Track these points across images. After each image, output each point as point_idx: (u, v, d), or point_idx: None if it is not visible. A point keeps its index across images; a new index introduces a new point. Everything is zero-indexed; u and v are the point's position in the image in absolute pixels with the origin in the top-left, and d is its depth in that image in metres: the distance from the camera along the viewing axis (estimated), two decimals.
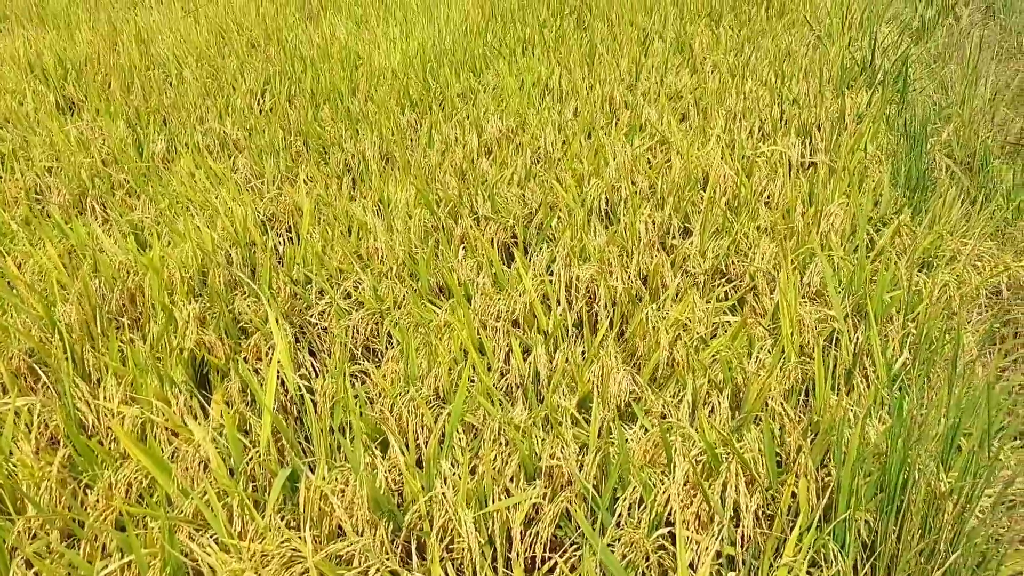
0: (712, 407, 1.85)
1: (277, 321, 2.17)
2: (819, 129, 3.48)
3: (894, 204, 2.71)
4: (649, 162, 3.39)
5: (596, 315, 2.46)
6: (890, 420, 1.59)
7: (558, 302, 2.37)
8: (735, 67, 4.54)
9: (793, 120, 3.60)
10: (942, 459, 1.46)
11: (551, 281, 2.45)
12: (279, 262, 2.66)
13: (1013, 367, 2.07)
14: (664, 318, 2.21)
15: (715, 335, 2.25)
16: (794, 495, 1.59)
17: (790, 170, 3.19)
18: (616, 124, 3.76)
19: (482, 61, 4.79)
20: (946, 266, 2.26)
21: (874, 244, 2.49)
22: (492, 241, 2.86)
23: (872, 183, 2.89)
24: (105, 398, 2.02)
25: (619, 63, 4.64)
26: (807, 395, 1.95)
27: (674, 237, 2.85)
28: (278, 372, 2.02)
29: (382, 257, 2.62)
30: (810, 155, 3.24)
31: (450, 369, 2.02)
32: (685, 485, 1.57)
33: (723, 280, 2.58)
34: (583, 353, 2.13)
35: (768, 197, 3.04)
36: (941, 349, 1.83)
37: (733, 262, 2.59)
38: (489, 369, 2.14)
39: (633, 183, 3.20)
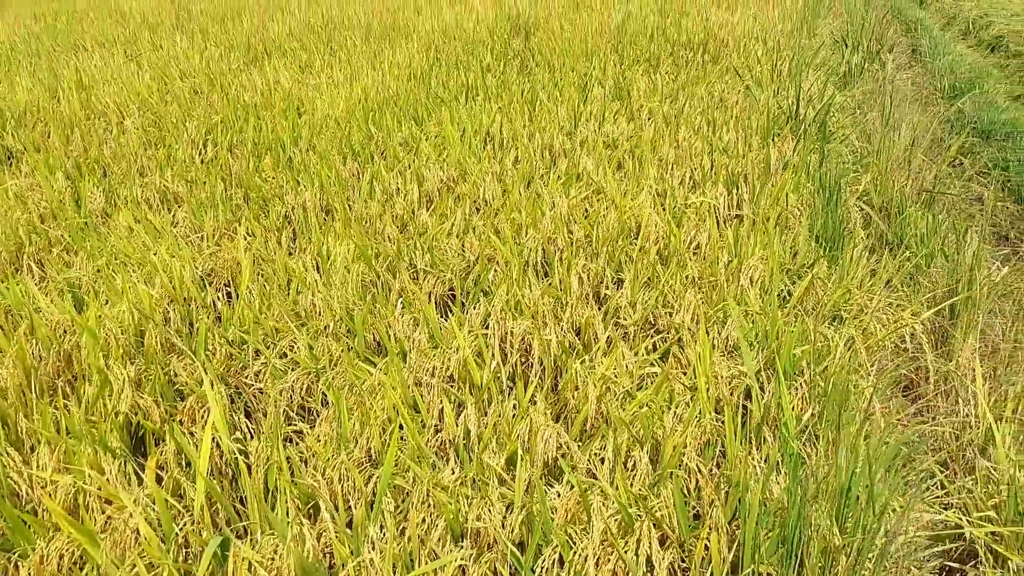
0: (634, 462, 1.94)
1: (212, 384, 2.21)
2: (745, 180, 3.65)
3: (811, 255, 2.87)
4: (586, 212, 3.51)
5: (532, 367, 2.55)
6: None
7: (494, 356, 2.45)
8: (670, 115, 4.73)
9: (722, 170, 3.77)
10: (837, 514, 1.57)
11: (486, 336, 2.54)
12: (217, 320, 2.70)
13: (913, 416, 2.21)
14: (593, 372, 2.31)
15: (642, 386, 2.35)
16: (708, 548, 1.69)
17: (718, 221, 3.34)
18: (555, 173, 3.89)
19: (425, 108, 4.90)
20: (854, 319, 2.41)
21: (791, 295, 2.63)
22: (430, 295, 2.94)
23: (792, 234, 3.05)
24: (38, 467, 2.04)
25: (559, 110, 4.79)
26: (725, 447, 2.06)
27: (608, 287, 2.97)
28: (213, 436, 2.05)
29: (319, 313, 2.67)
30: (736, 206, 3.40)
31: (383, 430, 2.08)
32: (603, 543, 1.65)
33: (652, 331, 2.70)
34: (515, 407, 2.21)
35: (696, 247, 3.18)
36: (845, 402, 1.95)
37: (661, 314, 2.71)
38: (424, 426, 2.21)
39: (570, 233, 3.32)
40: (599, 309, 2.78)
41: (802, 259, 2.85)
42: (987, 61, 8.79)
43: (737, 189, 3.51)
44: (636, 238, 3.26)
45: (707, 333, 2.25)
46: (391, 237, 3.24)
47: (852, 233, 2.98)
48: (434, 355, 2.43)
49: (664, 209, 3.39)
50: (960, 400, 2.35)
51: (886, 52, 6.40)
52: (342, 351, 2.43)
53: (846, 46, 6.14)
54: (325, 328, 2.61)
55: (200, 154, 4.26)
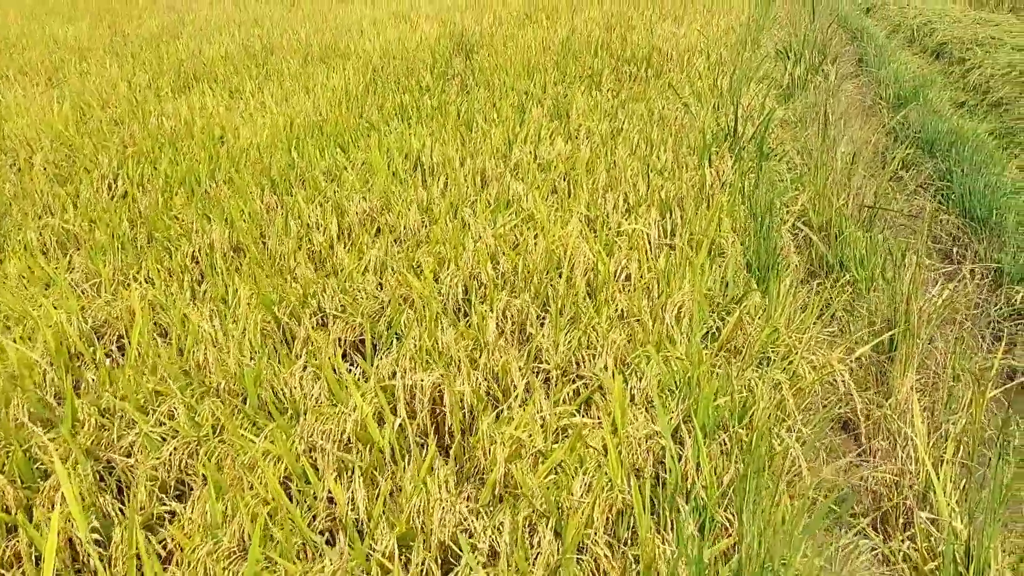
0: (539, 539, 1.73)
1: (73, 461, 1.96)
2: (680, 204, 3.48)
3: (742, 287, 2.69)
4: (515, 241, 3.32)
5: (443, 418, 2.34)
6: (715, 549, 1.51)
7: (397, 414, 2.23)
8: (607, 135, 4.56)
9: (657, 192, 3.60)
10: None
11: (392, 389, 2.32)
12: (96, 381, 2.45)
13: (850, 465, 2.03)
14: (503, 431, 2.10)
15: (560, 439, 2.15)
16: None
17: (650, 248, 3.16)
18: (484, 200, 3.69)
19: (355, 134, 4.68)
20: (783, 360, 2.24)
21: (720, 333, 2.45)
22: (339, 341, 2.72)
23: (724, 262, 2.88)
24: None
25: (495, 132, 4.60)
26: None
27: (532, 325, 2.77)
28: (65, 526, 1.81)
29: (211, 370, 2.43)
30: (669, 233, 3.22)
31: (253, 516, 1.85)
32: None
33: (575, 375, 2.50)
34: (412, 477, 2.00)
35: (627, 278, 2.99)
36: (769, 460, 1.77)
37: (584, 356, 2.51)
38: (315, 498, 1.98)
39: (496, 265, 3.12)
40: (521, 351, 2.58)
41: (733, 291, 2.68)
42: (931, 68, 8.78)
43: (671, 214, 3.34)
44: (565, 269, 3.07)
45: (625, 383, 2.05)
46: (302, 278, 3.01)
47: (785, 261, 2.81)
48: (332, 414, 2.20)
49: (595, 236, 3.21)
50: (898, 443, 2.18)
51: (830, 63, 6.31)
52: (230, 414, 2.20)
53: (789, 58, 6.04)
54: (217, 387, 2.37)
55: (111, 190, 4.00)
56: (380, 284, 3.04)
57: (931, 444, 2.13)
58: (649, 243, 3.17)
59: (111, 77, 6.20)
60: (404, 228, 3.46)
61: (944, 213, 4.20)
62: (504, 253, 3.18)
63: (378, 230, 3.48)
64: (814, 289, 2.69)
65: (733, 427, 1.89)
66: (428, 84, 6.18)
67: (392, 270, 3.07)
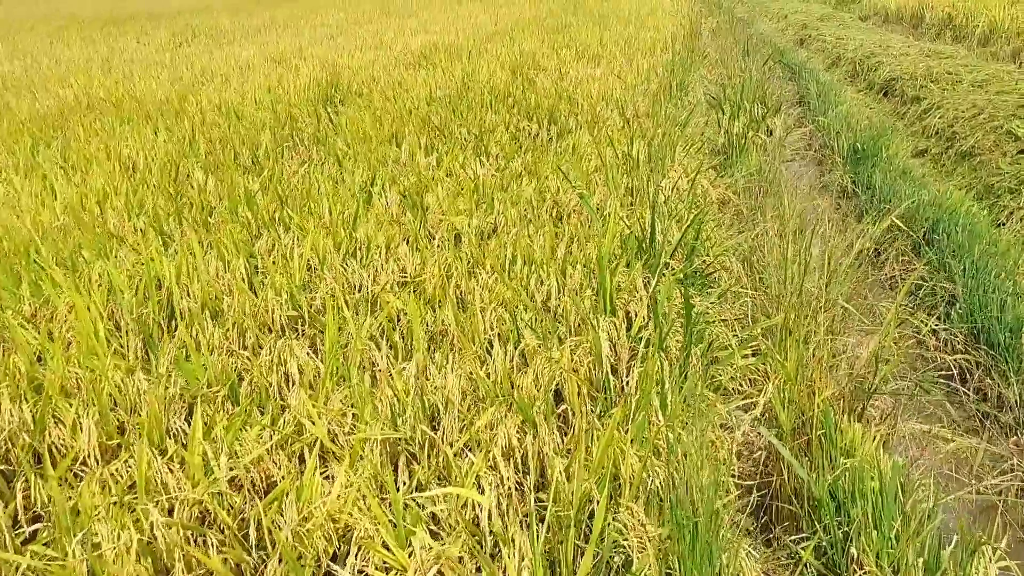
0: None
1: None
2: (559, 401, 1.97)
3: None
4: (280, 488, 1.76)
5: None
6: None
7: None
8: (474, 239, 3.06)
9: (534, 362, 2.10)
10: None
11: None
12: None
13: None
14: None
15: None
16: None
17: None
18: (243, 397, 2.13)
19: (95, 244, 3.06)
20: None
21: None
22: None
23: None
24: None
25: (314, 236, 3.04)
26: None
27: None
28: None
29: None
30: (536, 484, 1.69)
31: None
32: None
33: None
34: None
35: None
36: None
37: None
38: None
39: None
40: None
41: None
42: (881, 107, 7.55)
43: (536, 434, 1.81)
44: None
45: None
46: None
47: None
48: None
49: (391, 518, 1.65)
50: None
51: (772, 115, 4.94)
52: None
53: (723, 110, 4.64)
54: None
55: None
56: None
57: None
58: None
59: None
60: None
61: (971, 369, 2.78)
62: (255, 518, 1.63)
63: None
64: None
65: None
66: (268, 149, 4.62)
67: None
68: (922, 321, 3.04)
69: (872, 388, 2.04)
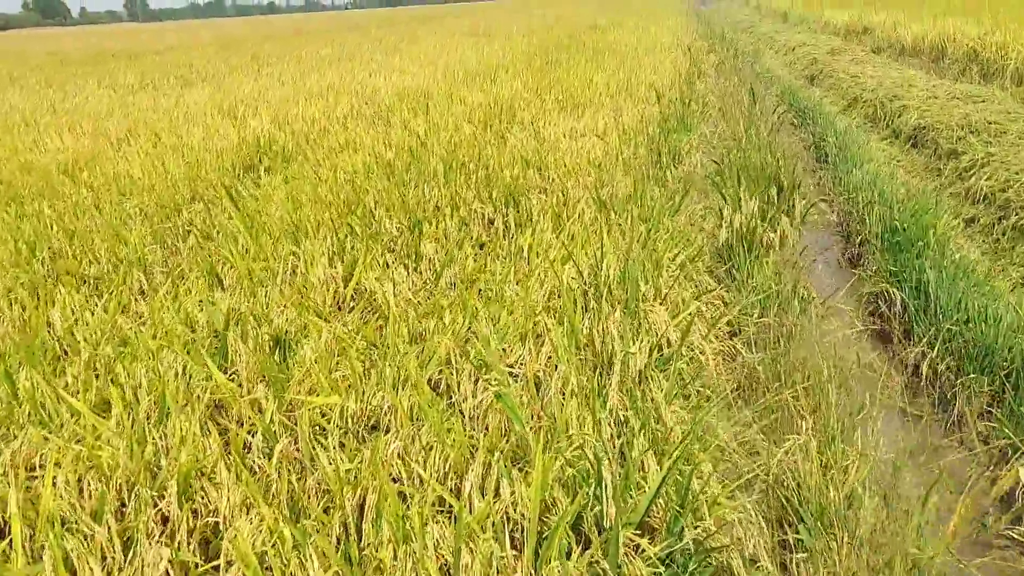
0: None
1: None
2: None
3: None
4: None
5: None
6: None
7: None
8: (353, 443, 1.90)
9: None
10: None
11: None
12: None
13: None
14: None
15: None
16: None
17: None
18: None
19: None
20: None
21: None
22: None
23: None
24: None
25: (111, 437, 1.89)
26: None
27: None
28: None
29: None
30: None
31: None
32: None
33: None
34: None
35: None
36: None
37: None
38: None
39: None
40: None
41: None
42: (912, 162, 6.39)
43: None
44: None
45: None
46: None
47: None
48: None
49: None
50: None
51: (789, 197, 3.77)
52: None
53: (725, 200, 3.47)
54: None
55: None
56: None
57: None
58: None
59: None
60: None
61: None
62: None
63: None
64: None
65: None
66: (132, 254, 3.48)
67: None
68: None
69: None
